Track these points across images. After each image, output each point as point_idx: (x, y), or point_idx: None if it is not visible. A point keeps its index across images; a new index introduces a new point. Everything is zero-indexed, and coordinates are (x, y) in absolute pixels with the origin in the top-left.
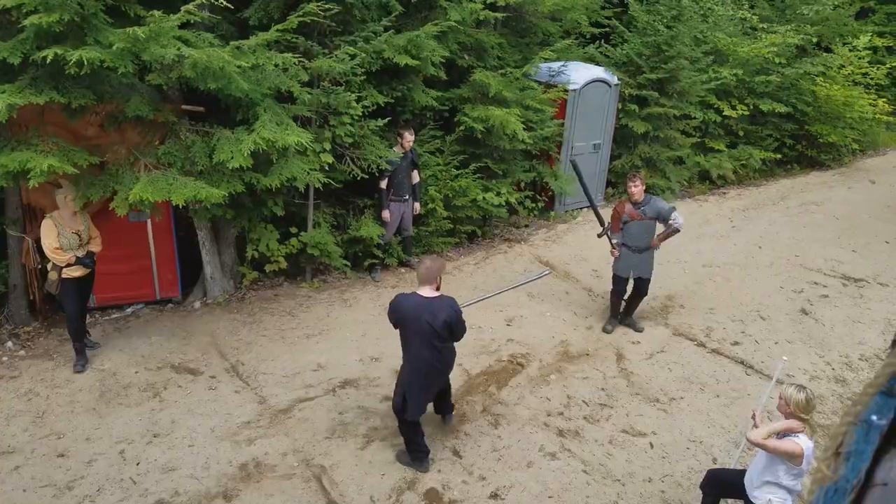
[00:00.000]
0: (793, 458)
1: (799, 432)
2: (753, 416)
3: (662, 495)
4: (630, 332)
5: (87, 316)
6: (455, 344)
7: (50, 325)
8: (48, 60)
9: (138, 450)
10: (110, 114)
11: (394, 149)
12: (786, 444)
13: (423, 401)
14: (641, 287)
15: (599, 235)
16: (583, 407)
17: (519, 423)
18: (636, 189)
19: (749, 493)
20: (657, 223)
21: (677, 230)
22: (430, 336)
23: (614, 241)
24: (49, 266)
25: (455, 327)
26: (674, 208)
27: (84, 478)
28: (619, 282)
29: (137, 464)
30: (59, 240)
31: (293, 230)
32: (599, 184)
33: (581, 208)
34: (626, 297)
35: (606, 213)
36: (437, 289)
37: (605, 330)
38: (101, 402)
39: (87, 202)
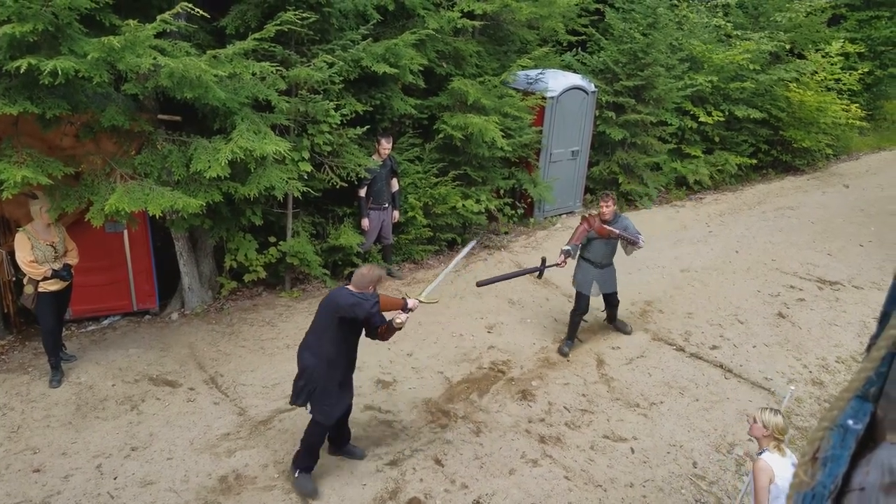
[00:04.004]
0: (771, 478)
1: (766, 449)
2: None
3: (644, 500)
4: (610, 337)
5: (63, 329)
6: (435, 352)
7: (25, 338)
8: (22, 70)
9: (116, 464)
10: (86, 124)
11: (372, 157)
12: (758, 476)
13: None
14: (611, 300)
15: (539, 277)
16: (564, 413)
17: (500, 431)
18: (608, 209)
19: None
20: (619, 244)
21: (635, 242)
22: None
23: (563, 249)
24: (25, 279)
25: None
26: (639, 232)
27: (60, 493)
28: (581, 300)
29: (115, 478)
30: (34, 252)
31: (272, 239)
32: (578, 190)
33: (560, 215)
34: (603, 315)
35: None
36: None
37: (560, 352)
38: (77, 415)
39: (62, 213)
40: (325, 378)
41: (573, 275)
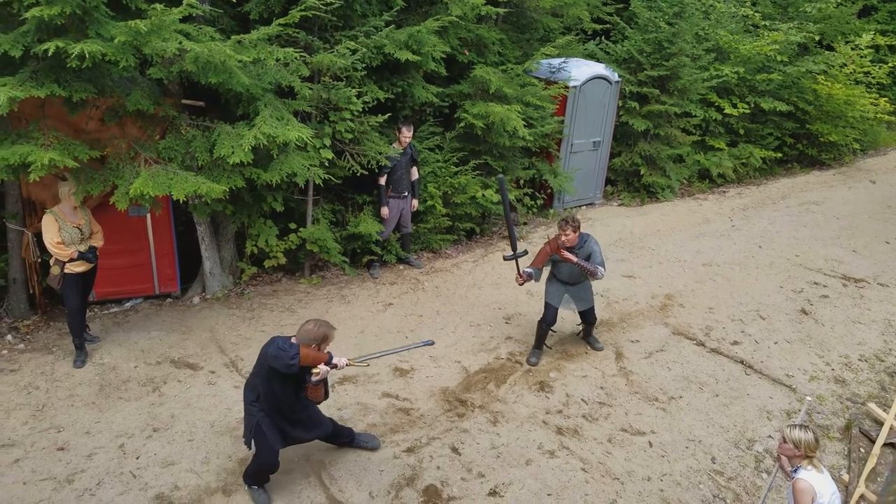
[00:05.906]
0: (813, 497)
1: (801, 466)
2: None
3: (661, 494)
4: (629, 330)
5: (87, 310)
6: (453, 341)
7: (49, 318)
8: (49, 53)
9: (138, 444)
10: (111, 108)
11: (392, 145)
12: (801, 499)
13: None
14: (588, 316)
15: (506, 258)
16: (582, 405)
17: (518, 421)
18: (567, 238)
19: None
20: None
21: (593, 274)
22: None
23: (525, 270)
24: (51, 261)
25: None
26: (602, 263)
27: (84, 471)
28: (549, 310)
29: (137, 458)
30: (61, 234)
31: (292, 226)
32: (598, 181)
33: (580, 206)
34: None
35: (603, 212)
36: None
37: (529, 363)
38: (100, 395)
39: (87, 196)
40: (262, 412)
41: (546, 287)
